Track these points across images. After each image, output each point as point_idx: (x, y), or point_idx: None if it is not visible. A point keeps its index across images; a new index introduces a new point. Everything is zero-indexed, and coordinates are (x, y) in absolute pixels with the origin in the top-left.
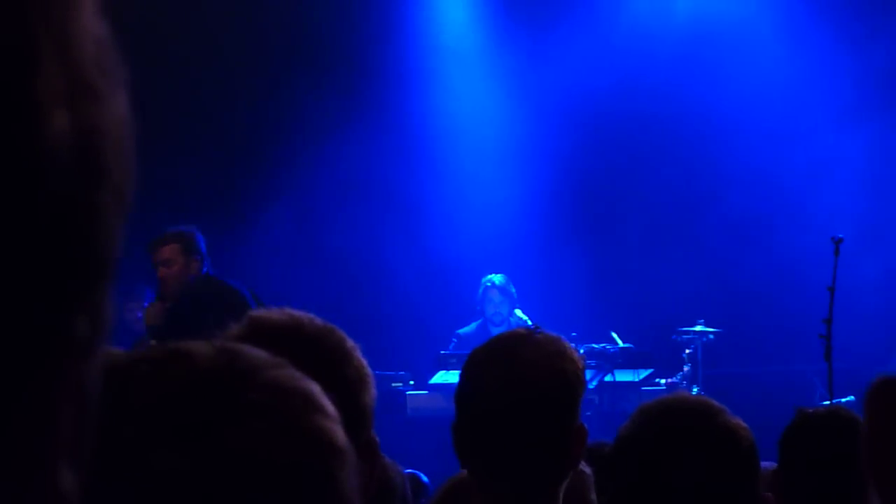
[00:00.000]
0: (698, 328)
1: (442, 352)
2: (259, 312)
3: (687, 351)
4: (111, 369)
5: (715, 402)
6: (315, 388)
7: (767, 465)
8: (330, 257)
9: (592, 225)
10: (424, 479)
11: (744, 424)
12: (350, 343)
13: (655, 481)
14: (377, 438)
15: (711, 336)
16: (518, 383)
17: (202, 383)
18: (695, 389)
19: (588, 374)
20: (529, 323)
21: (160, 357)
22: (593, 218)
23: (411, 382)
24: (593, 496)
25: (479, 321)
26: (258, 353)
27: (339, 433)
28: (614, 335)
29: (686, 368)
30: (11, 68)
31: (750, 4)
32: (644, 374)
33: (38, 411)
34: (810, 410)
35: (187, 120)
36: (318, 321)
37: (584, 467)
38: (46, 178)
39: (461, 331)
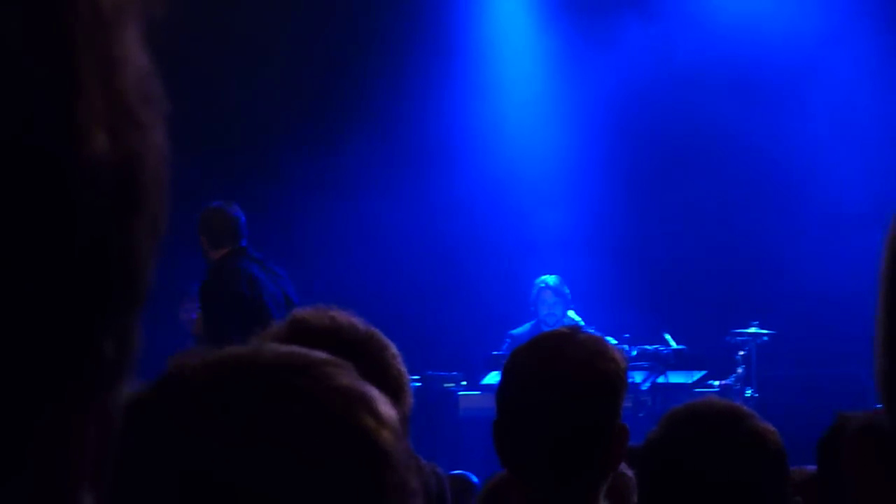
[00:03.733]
0: (752, 330)
1: (494, 352)
2: (301, 313)
3: (741, 353)
4: (175, 367)
5: (744, 407)
6: (374, 394)
7: (812, 469)
8: (386, 257)
9: (646, 225)
10: (474, 479)
11: (772, 428)
12: (391, 350)
13: (682, 486)
14: (411, 448)
15: (766, 338)
16: (558, 382)
17: (258, 370)
18: (748, 392)
19: (641, 376)
20: (582, 324)
21: (227, 353)
22: (647, 218)
23: (464, 383)
24: (635, 498)
25: (533, 322)
26: (322, 355)
27: (390, 438)
28: (668, 337)
29: (740, 370)
30: (54, 89)
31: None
32: (697, 375)
33: (61, 435)
34: (849, 414)
35: (234, 112)
36: (360, 326)
37: (627, 469)
38: (83, 201)
39: (514, 331)
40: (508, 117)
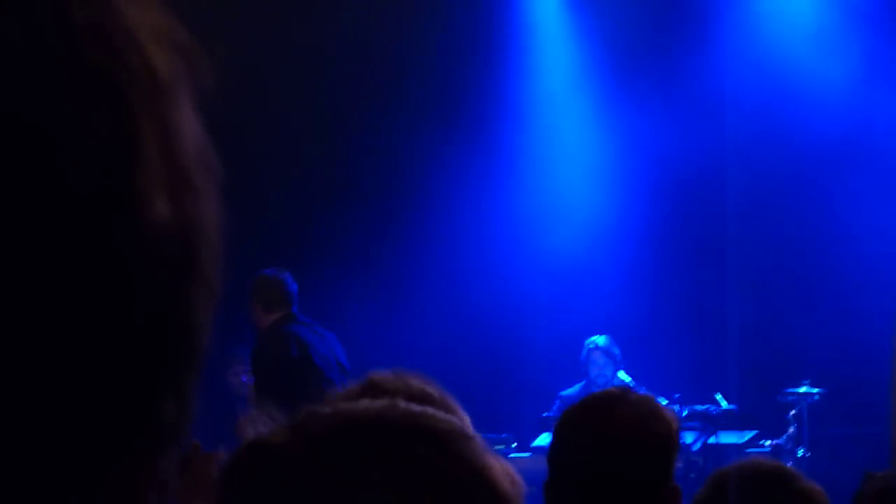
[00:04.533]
0: (803, 389)
1: (545, 414)
2: (377, 375)
3: (792, 412)
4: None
5: (790, 467)
6: (498, 467)
7: None
8: (438, 319)
9: (696, 285)
10: None
11: (819, 488)
12: (460, 412)
13: None
14: None
15: (817, 396)
16: (610, 443)
17: (387, 431)
18: (800, 451)
19: (692, 437)
20: (633, 384)
21: (357, 408)
22: (699, 277)
23: (514, 445)
24: None
25: (583, 383)
26: (451, 420)
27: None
28: (719, 397)
29: (791, 429)
30: (116, 156)
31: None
32: (749, 435)
33: (125, 497)
34: (875, 475)
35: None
36: (434, 391)
37: None
38: (145, 266)
39: (564, 392)
40: (556, 174)
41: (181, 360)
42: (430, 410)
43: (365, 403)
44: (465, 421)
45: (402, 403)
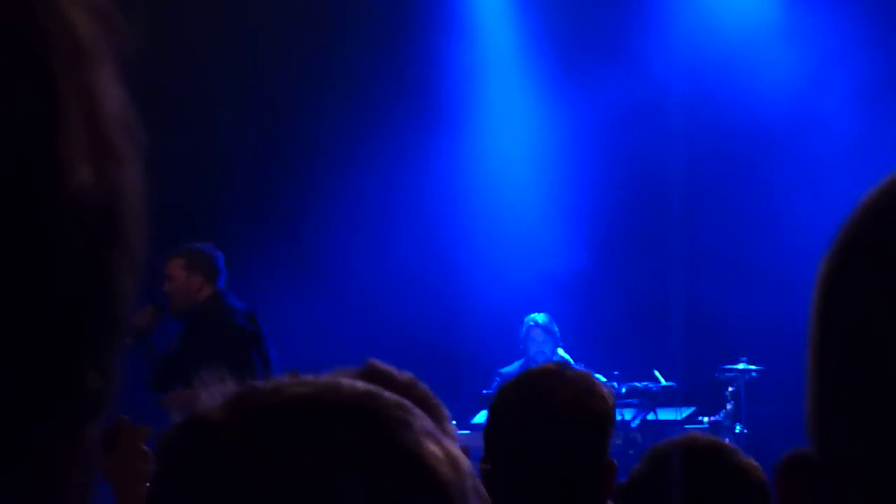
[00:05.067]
0: (741, 366)
1: (484, 391)
2: (345, 370)
3: (730, 389)
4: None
5: (727, 443)
6: (448, 442)
7: None
8: (375, 297)
9: (635, 262)
10: None
11: (755, 464)
12: (433, 400)
13: None
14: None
15: (754, 374)
16: (546, 420)
17: (324, 410)
18: (738, 428)
19: (630, 413)
20: (572, 362)
21: (292, 390)
22: (636, 254)
23: (453, 422)
24: None
25: (522, 360)
26: (395, 398)
27: (455, 480)
28: (657, 374)
29: (729, 406)
30: (37, 123)
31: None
32: (687, 412)
33: (46, 465)
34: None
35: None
36: (397, 372)
37: None
38: (67, 234)
39: (504, 370)
40: (496, 156)
41: (104, 329)
42: (375, 391)
43: (307, 381)
44: (437, 403)
45: (346, 383)
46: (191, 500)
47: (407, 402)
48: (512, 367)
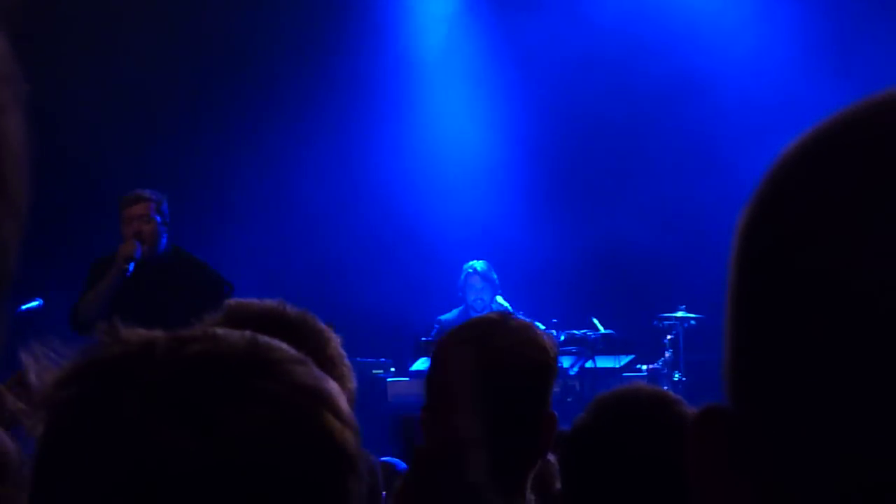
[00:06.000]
0: (680, 314)
1: (423, 339)
2: (236, 301)
3: (668, 336)
4: (131, 343)
5: (671, 393)
6: (335, 390)
7: None
8: (310, 244)
9: (574, 210)
10: (401, 466)
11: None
12: (327, 334)
13: (609, 471)
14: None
15: (693, 322)
16: (488, 370)
17: (220, 366)
18: (676, 375)
19: (569, 361)
20: (510, 309)
21: (186, 336)
22: (575, 203)
23: (392, 370)
24: (558, 485)
25: (461, 307)
26: (283, 348)
27: (351, 439)
28: (595, 321)
29: (668, 354)
30: None
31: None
32: (625, 360)
33: None
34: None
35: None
36: (293, 308)
37: (549, 455)
38: None
39: (443, 317)
40: (434, 110)
41: None
42: (257, 337)
43: (198, 336)
44: (331, 342)
45: (228, 334)
46: (88, 450)
47: (275, 342)
48: (451, 315)
